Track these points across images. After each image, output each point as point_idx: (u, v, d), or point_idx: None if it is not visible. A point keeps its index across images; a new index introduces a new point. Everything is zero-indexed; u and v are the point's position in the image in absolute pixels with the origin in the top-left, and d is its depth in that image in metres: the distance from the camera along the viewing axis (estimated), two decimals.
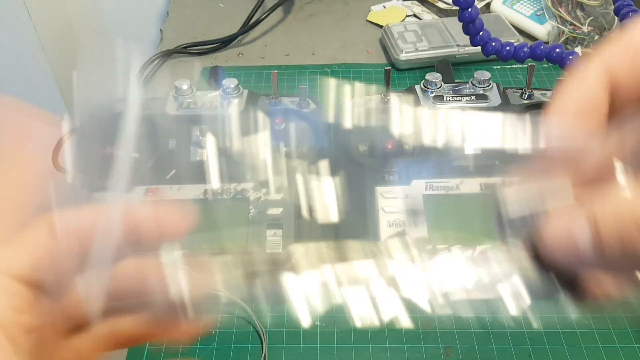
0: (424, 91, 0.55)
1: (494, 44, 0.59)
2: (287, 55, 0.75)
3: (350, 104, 0.53)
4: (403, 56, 0.70)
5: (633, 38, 0.20)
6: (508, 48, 0.59)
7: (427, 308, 0.21)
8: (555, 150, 0.20)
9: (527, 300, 0.21)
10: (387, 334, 0.46)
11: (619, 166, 0.19)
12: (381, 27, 0.77)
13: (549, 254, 0.19)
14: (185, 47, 0.76)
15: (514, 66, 0.71)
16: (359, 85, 0.59)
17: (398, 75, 0.71)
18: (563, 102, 0.21)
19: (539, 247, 0.20)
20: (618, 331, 0.48)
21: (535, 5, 0.76)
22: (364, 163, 0.50)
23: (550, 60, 0.58)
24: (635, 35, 0.20)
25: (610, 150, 0.20)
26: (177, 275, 0.19)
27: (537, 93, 0.55)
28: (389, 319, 0.22)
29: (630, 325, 0.48)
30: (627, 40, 0.20)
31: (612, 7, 0.58)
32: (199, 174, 0.43)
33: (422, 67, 0.71)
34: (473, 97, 0.54)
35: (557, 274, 0.20)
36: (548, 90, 0.56)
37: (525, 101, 0.54)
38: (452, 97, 0.54)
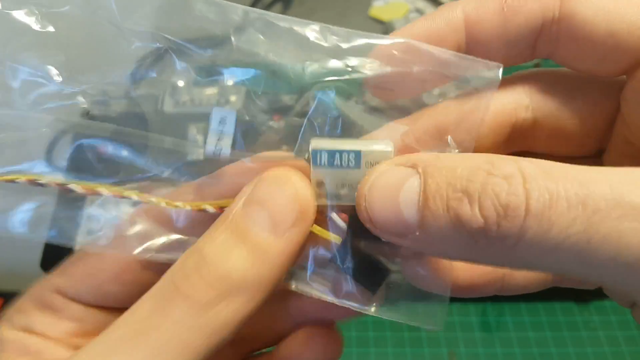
0: None
1: None
2: None
3: None
4: None
5: None
6: None
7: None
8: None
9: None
10: (389, 337, 0.45)
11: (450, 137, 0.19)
12: (383, 22, 0.76)
13: (372, 214, 0.17)
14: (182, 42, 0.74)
15: None
16: None
17: None
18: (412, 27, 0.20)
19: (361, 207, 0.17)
20: (625, 334, 0.47)
21: None
22: None
23: None
24: None
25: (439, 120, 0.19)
26: None
27: None
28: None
29: (637, 328, 0.48)
30: None
31: None
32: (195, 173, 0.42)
33: None
34: None
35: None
36: None
37: None
38: None
